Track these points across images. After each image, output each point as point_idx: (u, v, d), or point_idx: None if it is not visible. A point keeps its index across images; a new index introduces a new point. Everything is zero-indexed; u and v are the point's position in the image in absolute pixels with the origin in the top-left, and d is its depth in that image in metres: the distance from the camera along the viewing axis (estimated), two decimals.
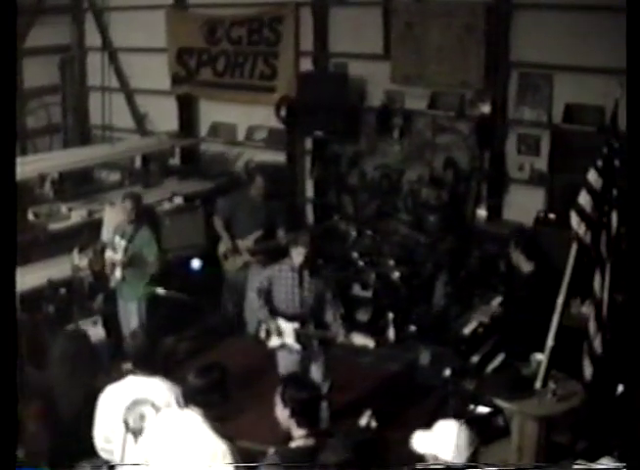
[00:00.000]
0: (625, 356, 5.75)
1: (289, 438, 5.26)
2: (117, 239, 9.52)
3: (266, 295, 8.45)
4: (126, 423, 5.91)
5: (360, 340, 8.27)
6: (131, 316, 9.49)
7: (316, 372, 8.47)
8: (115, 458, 6.04)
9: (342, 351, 9.34)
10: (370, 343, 8.23)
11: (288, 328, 8.36)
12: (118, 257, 9.42)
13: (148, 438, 5.63)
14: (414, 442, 4.94)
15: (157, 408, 5.91)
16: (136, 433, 5.89)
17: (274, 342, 8.47)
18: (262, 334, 8.56)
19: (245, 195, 11.09)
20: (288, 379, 5.51)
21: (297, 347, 8.37)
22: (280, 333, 8.38)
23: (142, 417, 5.90)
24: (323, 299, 8.36)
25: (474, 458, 4.81)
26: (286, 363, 8.50)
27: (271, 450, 5.26)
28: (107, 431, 6.10)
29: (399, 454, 6.24)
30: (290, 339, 8.36)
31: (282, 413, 5.24)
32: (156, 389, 6.03)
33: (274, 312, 8.41)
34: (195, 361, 9.67)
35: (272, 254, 10.59)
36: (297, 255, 8.26)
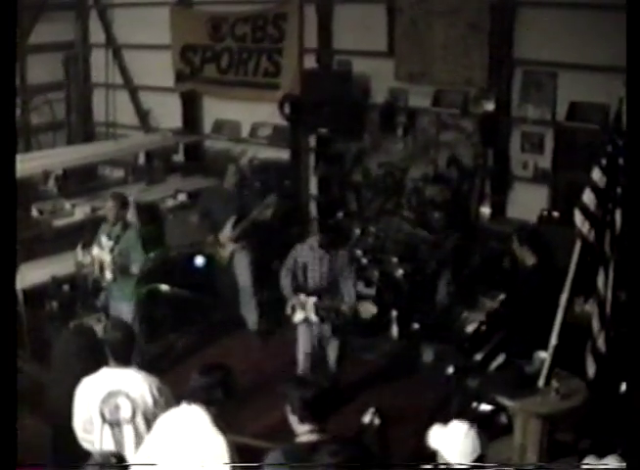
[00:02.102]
0: (629, 355, 5.74)
1: (294, 434, 5.27)
2: (104, 239, 9.41)
3: (292, 273, 9.11)
4: (102, 415, 6.00)
5: (365, 308, 9.28)
6: (122, 316, 9.38)
7: (332, 348, 9.24)
8: (96, 448, 6.09)
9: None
10: (373, 310, 9.29)
11: (309, 303, 8.99)
12: (106, 257, 9.33)
13: (151, 433, 5.66)
14: (431, 437, 4.94)
15: (131, 399, 5.99)
16: (112, 424, 5.99)
17: (298, 316, 9.08)
18: (289, 310, 9.12)
19: (217, 189, 11.23)
20: (291, 378, 5.53)
21: (315, 319, 9.01)
22: (303, 307, 9.02)
23: (117, 408, 6.01)
24: (340, 275, 9.04)
25: (479, 461, 4.82)
26: (305, 338, 9.22)
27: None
28: (85, 422, 6.18)
29: (402, 452, 6.28)
30: (310, 312, 8.98)
31: (287, 410, 5.26)
32: (130, 380, 6.10)
33: (298, 289, 9.08)
34: (196, 359, 9.73)
35: (253, 237, 10.64)
36: (317, 240, 9.14)
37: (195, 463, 5.28)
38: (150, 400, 6.02)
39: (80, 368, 6.88)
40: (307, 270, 9.10)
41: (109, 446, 6.01)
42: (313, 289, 9.05)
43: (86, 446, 6.25)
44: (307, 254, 9.11)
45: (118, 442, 6.00)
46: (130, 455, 5.83)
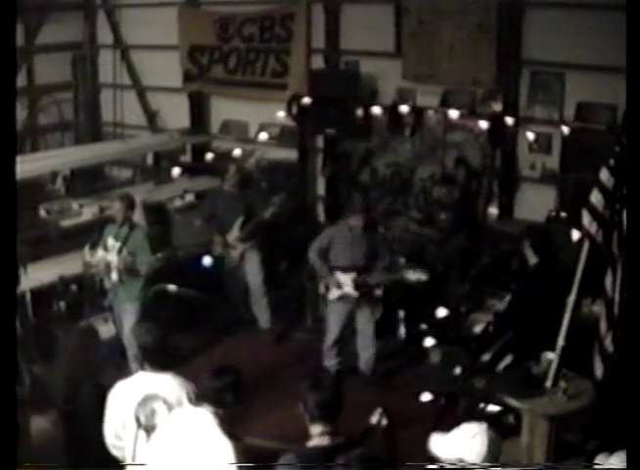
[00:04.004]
0: (633, 355, 5.74)
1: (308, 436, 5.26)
2: (111, 240, 9.41)
3: (325, 253, 9.50)
4: (138, 419, 5.92)
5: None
6: (127, 317, 9.38)
7: (362, 317, 9.55)
8: (126, 455, 6.03)
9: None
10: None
11: (345, 279, 9.37)
12: (113, 258, 9.33)
13: (158, 435, 5.65)
14: (432, 445, 4.93)
15: (168, 404, 5.89)
16: (148, 429, 5.90)
17: (333, 294, 9.47)
18: (322, 289, 9.61)
19: (219, 191, 11.17)
20: (307, 380, 5.53)
21: (354, 294, 9.39)
22: (339, 285, 9.39)
23: (153, 413, 5.90)
24: (375, 252, 9.43)
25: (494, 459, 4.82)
26: (336, 314, 9.59)
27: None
28: (117, 427, 6.06)
29: (409, 453, 6.26)
30: (348, 288, 9.38)
31: (300, 410, 5.25)
32: (167, 385, 6.01)
33: (333, 268, 9.45)
34: (205, 359, 9.74)
35: (262, 236, 10.64)
36: (356, 220, 9.35)
37: (199, 465, 5.27)
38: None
39: (82, 369, 6.89)
40: (344, 249, 9.43)
41: (142, 450, 5.97)
42: (350, 266, 9.36)
43: (115, 453, 6.15)
44: (345, 234, 9.44)
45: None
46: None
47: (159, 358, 6.13)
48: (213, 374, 5.54)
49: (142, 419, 5.91)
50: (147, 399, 5.93)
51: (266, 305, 10.83)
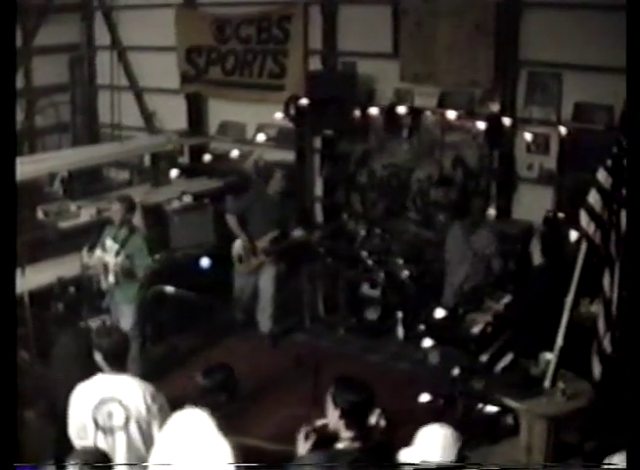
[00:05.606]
0: (634, 356, 5.73)
1: (334, 439, 5.25)
2: (109, 242, 9.42)
3: None
4: (96, 421, 5.96)
5: None
6: (124, 319, 9.39)
7: None
8: None
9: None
10: None
11: None
12: (110, 260, 9.33)
13: (159, 438, 5.67)
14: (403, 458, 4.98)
15: (124, 406, 5.95)
16: (106, 431, 5.95)
17: None
18: None
19: (261, 193, 11.02)
20: (339, 380, 5.54)
21: None
22: None
23: (110, 415, 5.96)
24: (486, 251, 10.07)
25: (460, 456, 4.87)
26: None
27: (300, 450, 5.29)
28: (79, 429, 6.13)
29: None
30: None
31: (332, 414, 5.24)
32: (124, 387, 6.05)
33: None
34: (201, 362, 9.74)
35: (285, 252, 10.63)
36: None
37: (198, 467, 5.28)
38: (143, 408, 5.98)
39: (79, 370, 6.88)
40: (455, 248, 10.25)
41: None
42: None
43: None
44: (456, 233, 10.31)
45: (111, 448, 5.96)
46: (121, 462, 5.85)
47: (118, 360, 6.17)
48: (203, 374, 5.56)
49: (100, 421, 5.96)
50: (103, 402, 5.98)
51: (271, 314, 10.80)
